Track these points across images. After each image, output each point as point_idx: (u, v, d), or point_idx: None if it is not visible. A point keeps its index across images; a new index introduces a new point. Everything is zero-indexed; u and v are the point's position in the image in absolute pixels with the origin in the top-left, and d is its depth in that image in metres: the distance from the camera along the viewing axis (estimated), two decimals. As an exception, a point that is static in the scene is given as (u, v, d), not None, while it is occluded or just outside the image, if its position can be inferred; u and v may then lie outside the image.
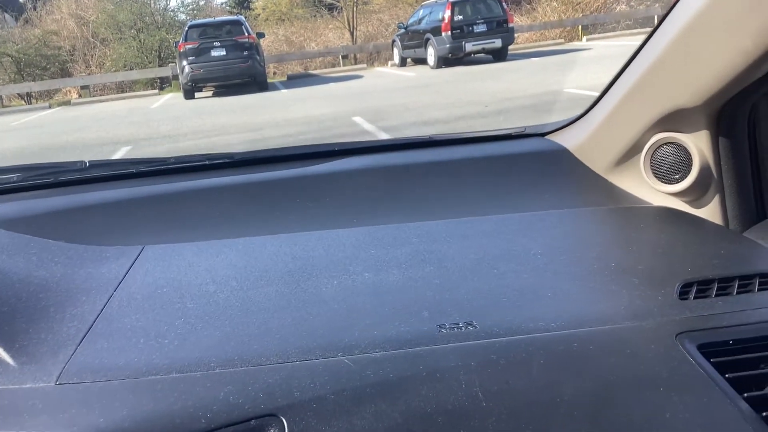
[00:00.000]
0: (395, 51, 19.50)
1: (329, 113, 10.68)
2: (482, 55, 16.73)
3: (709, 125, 1.18)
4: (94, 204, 1.38)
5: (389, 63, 20.02)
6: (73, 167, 1.54)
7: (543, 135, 1.53)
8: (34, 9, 25.64)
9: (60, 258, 1.12)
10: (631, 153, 1.28)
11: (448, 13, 16.16)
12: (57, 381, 0.81)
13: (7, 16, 27.42)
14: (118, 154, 8.72)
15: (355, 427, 0.73)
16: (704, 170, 1.19)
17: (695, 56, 1.11)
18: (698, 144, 1.19)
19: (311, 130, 9.14)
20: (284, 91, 15.65)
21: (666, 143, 1.22)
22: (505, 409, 0.75)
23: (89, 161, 1.54)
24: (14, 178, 1.49)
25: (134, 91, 20.39)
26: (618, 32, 20.06)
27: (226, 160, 1.56)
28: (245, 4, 30.04)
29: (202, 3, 27.44)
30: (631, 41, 17.12)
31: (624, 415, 0.75)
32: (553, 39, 20.58)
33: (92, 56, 23.09)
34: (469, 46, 16.09)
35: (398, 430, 0.73)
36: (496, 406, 0.76)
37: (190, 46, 15.61)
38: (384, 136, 8.07)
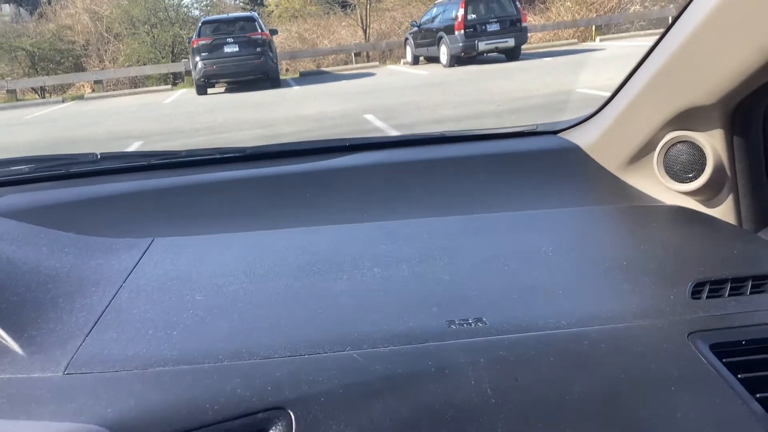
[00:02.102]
0: (408, 49, 19.46)
1: (341, 110, 10.68)
2: (495, 54, 16.69)
3: (723, 124, 1.17)
4: (105, 196, 1.39)
5: (402, 61, 20.00)
6: (85, 159, 1.54)
7: (555, 133, 1.52)
8: (49, 3, 25.78)
9: (70, 249, 1.12)
10: (644, 151, 1.27)
11: (461, 12, 16.11)
12: (65, 371, 0.81)
13: (21, 10, 27.61)
14: (131, 149, 8.75)
15: (363, 422, 0.73)
16: (718, 169, 1.18)
17: (710, 54, 1.10)
18: (712, 143, 1.18)
19: (323, 127, 9.15)
20: (296, 88, 15.67)
21: (679, 142, 1.21)
22: (514, 407, 0.75)
23: (101, 153, 1.54)
24: (26, 169, 1.49)
25: (147, 86, 20.45)
26: (632, 33, 19.95)
27: (238, 154, 1.56)
28: (258, 1, 30.06)
29: (215, -1, 27.54)
30: (645, 42, 17.02)
31: (634, 414, 0.74)
32: (567, 39, 20.50)
33: (106, 51, 23.20)
34: (482, 45, 16.04)
35: (406, 425, 0.73)
36: (505, 403, 0.75)
37: (203, 42, 15.65)
38: (395, 134, 8.06)
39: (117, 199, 1.38)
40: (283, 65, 20.14)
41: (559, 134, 1.51)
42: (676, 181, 1.22)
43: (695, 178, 1.19)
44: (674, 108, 1.18)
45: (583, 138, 1.43)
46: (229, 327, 0.89)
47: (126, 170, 1.51)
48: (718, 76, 1.10)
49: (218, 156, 1.54)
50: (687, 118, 1.18)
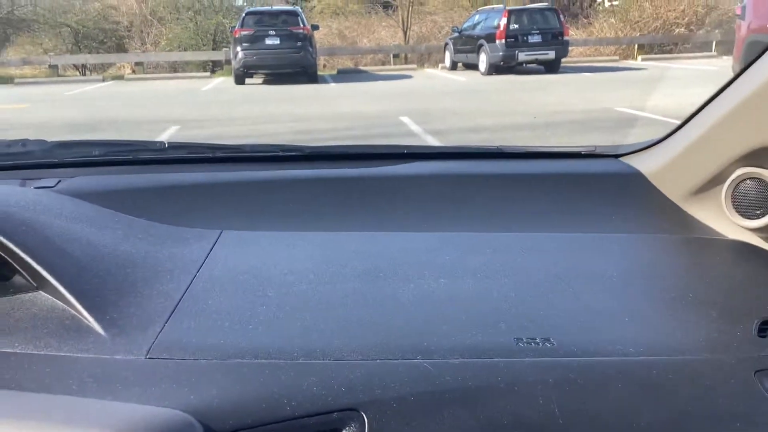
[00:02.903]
0: (447, 54, 19.45)
1: (377, 111, 10.71)
2: (534, 65, 16.64)
3: None
4: (171, 185, 1.41)
5: (440, 65, 19.98)
6: (153, 147, 1.58)
7: (616, 156, 1.52)
8: (97, -18, 26.10)
9: (143, 235, 1.15)
10: (711, 184, 1.28)
11: (503, 21, 16.09)
12: (147, 355, 0.83)
13: (69, -13, 27.95)
14: (168, 133, 8.86)
15: (433, 430, 0.75)
16: None
17: None
18: None
19: (358, 126, 9.18)
20: (333, 84, 15.75)
21: (749, 178, 1.21)
22: (582, 429, 0.76)
23: (168, 143, 1.57)
24: (95, 152, 1.53)
25: (186, 71, 20.64)
26: (674, 54, 19.73)
27: (298, 153, 1.59)
28: (302, -5, 30.20)
29: (260, -9, 27.72)
30: (687, 65, 16.85)
31: None
32: (608, 55, 20.34)
33: (148, 34, 23.44)
34: (522, 56, 16.00)
35: None
36: (572, 425, 0.76)
37: (245, 32, 15.79)
38: (431, 138, 8.08)
39: (183, 189, 1.41)
40: (321, 61, 20.22)
41: (621, 158, 1.51)
42: (743, 216, 1.22)
43: (763, 215, 1.19)
44: (751, 144, 1.18)
45: (646, 164, 1.43)
46: (302, 326, 0.91)
47: (191, 161, 1.54)
48: None
49: (281, 153, 1.57)
50: (759, 156, 1.19)
